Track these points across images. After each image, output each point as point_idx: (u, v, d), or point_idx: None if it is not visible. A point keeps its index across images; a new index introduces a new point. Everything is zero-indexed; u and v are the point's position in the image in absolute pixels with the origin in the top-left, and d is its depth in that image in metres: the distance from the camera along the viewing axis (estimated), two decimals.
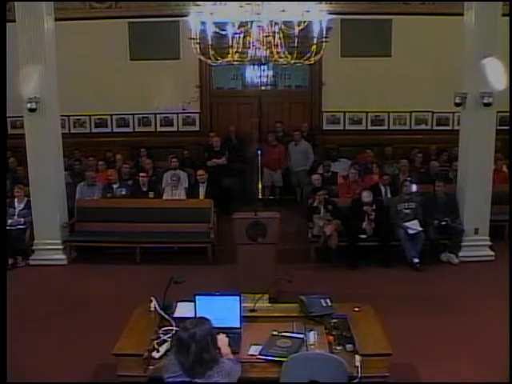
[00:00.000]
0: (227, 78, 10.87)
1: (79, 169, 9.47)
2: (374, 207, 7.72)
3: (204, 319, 3.06)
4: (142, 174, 8.79)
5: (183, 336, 2.91)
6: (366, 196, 7.75)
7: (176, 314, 4.07)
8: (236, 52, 4.93)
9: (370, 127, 10.87)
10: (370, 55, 10.23)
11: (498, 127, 8.26)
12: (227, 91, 10.96)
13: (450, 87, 7.94)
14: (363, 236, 7.59)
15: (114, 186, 8.70)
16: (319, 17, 4.72)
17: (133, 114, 10.79)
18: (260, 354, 3.57)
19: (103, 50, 10.21)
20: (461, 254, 7.65)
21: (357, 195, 8.07)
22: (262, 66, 5.28)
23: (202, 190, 8.69)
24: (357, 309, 4.15)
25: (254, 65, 5.21)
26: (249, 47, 4.93)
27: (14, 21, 7.22)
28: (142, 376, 3.53)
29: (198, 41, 4.84)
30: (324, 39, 4.81)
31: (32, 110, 7.36)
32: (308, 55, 4.95)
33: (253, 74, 6.37)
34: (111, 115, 10.79)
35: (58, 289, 6.90)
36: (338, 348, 3.65)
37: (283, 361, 3.42)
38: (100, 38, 10.13)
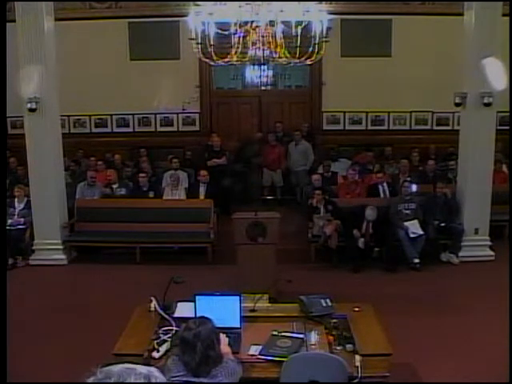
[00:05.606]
0: (227, 78, 10.88)
1: (75, 170, 9.46)
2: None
3: (206, 318, 3.06)
4: (141, 175, 8.78)
5: (188, 336, 2.90)
6: (370, 215, 7.45)
7: (176, 314, 4.06)
8: (236, 52, 4.92)
9: (370, 127, 10.87)
10: (370, 55, 10.23)
11: (498, 127, 8.26)
12: (227, 91, 10.96)
13: (450, 87, 7.95)
14: (362, 239, 7.52)
15: (114, 186, 8.70)
16: (319, 17, 4.71)
17: (133, 114, 10.79)
18: (260, 354, 3.57)
19: (103, 50, 10.20)
20: (461, 253, 7.66)
21: (357, 195, 7.99)
22: (262, 66, 5.27)
23: (202, 190, 8.69)
24: (357, 309, 4.14)
25: (254, 65, 5.20)
26: (249, 47, 4.92)
27: (14, 21, 7.23)
28: None
29: (198, 41, 4.83)
30: (324, 39, 4.81)
31: (32, 110, 7.36)
32: (308, 55, 4.94)
33: (253, 74, 6.35)
34: (111, 115, 10.79)
35: (58, 289, 6.91)
36: (338, 348, 3.63)
37: (283, 361, 3.42)
38: (100, 38, 10.13)
